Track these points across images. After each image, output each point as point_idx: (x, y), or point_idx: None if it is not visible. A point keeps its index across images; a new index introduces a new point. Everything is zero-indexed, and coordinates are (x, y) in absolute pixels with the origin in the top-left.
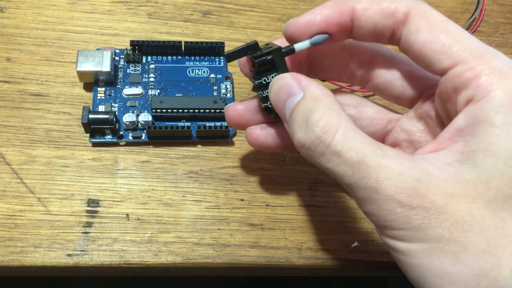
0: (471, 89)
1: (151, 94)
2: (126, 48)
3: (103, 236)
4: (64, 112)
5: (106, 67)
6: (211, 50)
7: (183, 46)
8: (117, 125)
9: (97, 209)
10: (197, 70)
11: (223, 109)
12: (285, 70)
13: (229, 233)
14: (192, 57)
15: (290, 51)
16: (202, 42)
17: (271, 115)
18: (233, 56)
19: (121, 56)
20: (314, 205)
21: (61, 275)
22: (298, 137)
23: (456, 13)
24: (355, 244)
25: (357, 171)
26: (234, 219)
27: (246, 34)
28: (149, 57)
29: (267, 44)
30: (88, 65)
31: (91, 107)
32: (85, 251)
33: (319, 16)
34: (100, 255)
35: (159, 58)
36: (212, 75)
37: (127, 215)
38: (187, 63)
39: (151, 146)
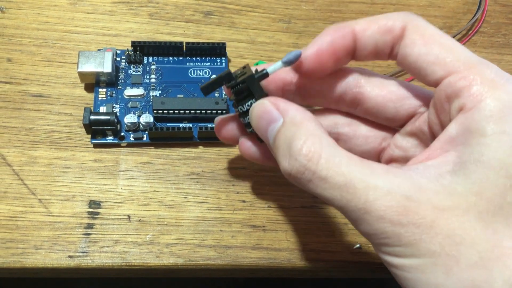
0: (462, 98)
1: (153, 95)
2: (128, 49)
3: (104, 237)
4: (65, 113)
5: (107, 68)
6: (213, 50)
7: (184, 47)
8: (118, 126)
9: (99, 210)
10: (198, 71)
11: (224, 110)
12: (262, 95)
13: (231, 235)
14: (194, 58)
15: (264, 75)
16: (203, 43)
17: (258, 140)
18: (208, 88)
19: (122, 57)
20: (316, 206)
21: (62, 277)
22: (284, 166)
23: (458, 14)
24: (357, 246)
25: (345, 194)
26: (236, 220)
27: (248, 34)
28: (151, 58)
29: (244, 68)
30: (89, 66)
31: (92, 108)
32: (86, 252)
33: (325, 44)
34: (101, 256)
35: (161, 59)
36: (214, 76)
37: (129, 216)
38: (188, 64)
39: (153, 147)
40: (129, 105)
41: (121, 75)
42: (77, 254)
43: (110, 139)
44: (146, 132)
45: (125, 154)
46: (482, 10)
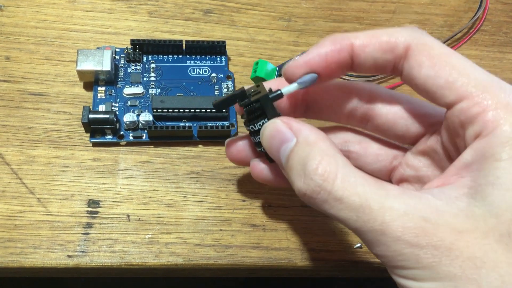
0: (478, 125)
1: (152, 94)
2: (127, 47)
3: (103, 237)
4: (64, 112)
5: (106, 66)
6: (212, 49)
7: (184, 45)
8: (117, 125)
9: (98, 209)
10: (198, 69)
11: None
12: (275, 115)
13: (231, 234)
14: (193, 56)
15: (278, 96)
16: (203, 41)
17: (268, 159)
18: (221, 106)
19: (121, 55)
20: None
21: (61, 276)
22: (298, 186)
23: (459, 12)
24: (358, 245)
25: (361, 215)
26: (236, 220)
27: (248, 33)
28: (150, 56)
29: (257, 86)
30: (88, 64)
31: (91, 107)
32: (85, 252)
33: (318, 57)
34: (100, 256)
35: (160, 57)
36: (214, 75)
37: (128, 215)
38: (188, 62)
39: (152, 146)
40: (128, 103)
41: (120, 74)
42: (76, 253)
43: (109, 138)
44: (146, 131)
45: (124, 153)
46: (484, 9)
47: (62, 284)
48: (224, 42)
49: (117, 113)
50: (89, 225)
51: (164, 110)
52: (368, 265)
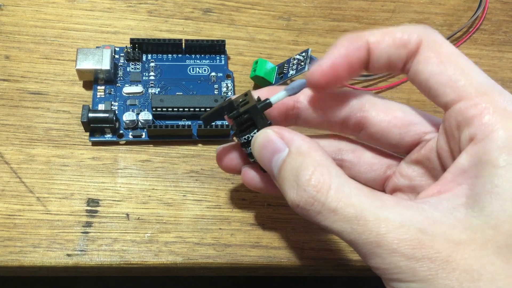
0: (473, 127)
1: (151, 93)
2: (126, 46)
3: (103, 236)
4: (64, 111)
5: (105, 65)
6: (212, 48)
7: (183, 44)
8: (117, 124)
9: (97, 208)
10: (197, 69)
11: None
12: (265, 124)
13: (230, 233)
14: (193, 55)
15: (267, 105)
16: (202, 40)
17: (261, 170)
18: (209, 119)
19: (121, 54)
20: None
21: (61, 275)
22: (291, 197)
23: (458, 11)
24: None
25: (356, 227)
26: (235, 218)
27: (247, 32)
28: (149, 55)
29: (245, 95)
30: (88, 63)
31: (90, 106)
32: (84, 251)
33: (340, 59)
34: (100, 255)
35: (160, 56)
36: (213, 74)
37: (127, 214)
38: (187, 61)
39: (151, 145)
40: (128, 102)
41: (120, 73)
42: (75, 252)
43: (108, 137)
44: (145, 130)
45: (124, 152)
46: (483, 8)
47: (61, 283)
48: (223, 41)
49: (116, 112)
50: (89, 224)
51: (163, 109)
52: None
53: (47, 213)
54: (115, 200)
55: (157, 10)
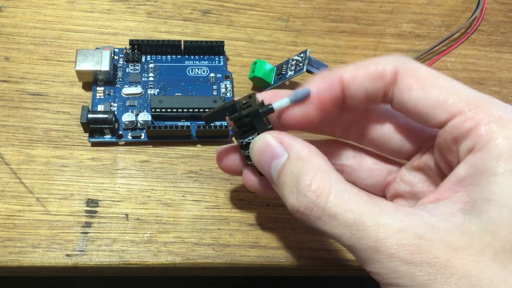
0: (471, 139)
1: (151, 94)
2: (125, 47)
3: (102, 236)
4: (63, 112)
5: (105, 66)
6: (211, 49)
7: (182, 45)
8: (116, 124)
9: (96, 209)
10: (196, 70)
11: None
12: (265, 129)
13: (229, 233)
14: (192, 56)
15: (269, 110)
16: (201, 41)
17: (258, 173)
18: (210, 119)
19: (120, 55)
20: None
21: (60, 276)
22: (291, 202)
23: (456, 12)
24: None
25: (355, 232)
26: (234, 219)
27: (246, 33)
28: (149, 56)
29: (249, 98)
30: (87, 65)
31: (90, 107)
32: (84, 251)
33: (311, 96)
34: (99, 255)
35: (159, 57)
36: (212, 74)
37: (127, 215)
38: (186, 62)
39: (151, 146)
40: (127, 103)
41: (119, 74)
42: (75, 252)
43: (108, 137)
44: (144, 130)
45: (123, 152)
46: (481, 8)
47: (61, 284)
48: (222, 42)
49: (115, 113)
50: (88, 225)
51: (162, 110)
52: None
53: (46, 214)
54: (114, 201)
55: (156, 11)
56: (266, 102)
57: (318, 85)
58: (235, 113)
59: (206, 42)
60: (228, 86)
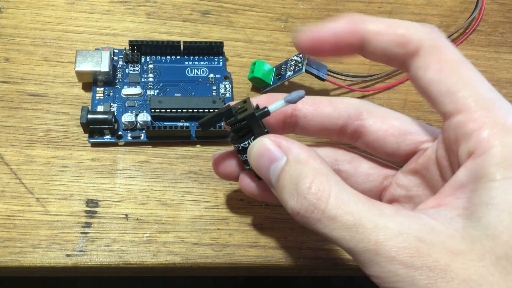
0: (472, 142)
1: (150, 94)
2: (125, 48)
3: (102, 236)
4: (63, 112)
5: (104, 67)
6: (210, 50)
7: (182, 46)
8: (116, 125)
9: (96, 209)
10: (196, 70)
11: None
12: (262, 133)
13: (228, 233)
14: (191, 57)
15: (264, 113)
16: (201, 42)
17: (256, 177)
18: (207, 125)
19: (120, 56)
20: None
21: (60, 276)
22: (291, 205)
23: (455, 12)
24: None
25: (355, 235)
26: (233, 219)
27: (245, 33)
28: (148, 57)
29: (244, 102)
30: (87, 65)
31: (89, 107)
32: (84, 251)
33: (328, 34)
34: (99, 255)
35: (158, 58)
36: (211, 75)
37: (126, 215)
38: (186, 63)
39: (150, 146)
40: (127, 104)
41: (119, 74)
42: (75, 252)
43: (107, 138)
44: (144, 131)
45: (123, 153)
46: (480, 9)
47: (61, 284)
48: (221, 43)
49: (115, 113)
50: (88, 225)
51: (162, 110)
52: None
53: (46, 214)
54: (114, 201)
55: (156, 12)
56: (261, 106)
57: (341, 26)
58: (231, 118)
59: (206, 42)
60: (227, 86)
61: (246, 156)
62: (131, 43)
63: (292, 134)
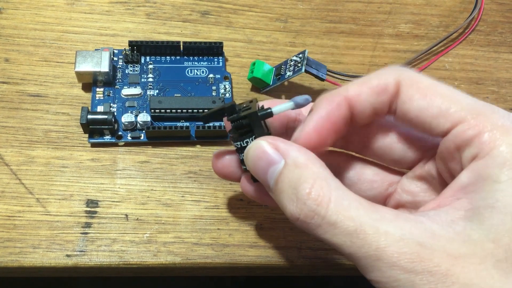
0: (474, 147)
1: (150, 94)
2: (125, 49)
3: (102, 236)
4: (63, 113)
5: (104, 67)
6: (210, 50)
7: (181, 46)
8: (115, 125)
9: (96, 209)
10: (195, 70)
11: None
12: (263, 133)
13: (228, 233)
14: (191, 57)
15: (268, 114)
16: (200, 42)
17: (252, 179)
18: (208, 118)
19: (119, 57)
20: None
21: (60, 276)
22: (291, 210)
23: (454, 12)
24: None
25: (355, 240)
26: (233, 219)
27: (245, 34)
28: (148, 58)
29: (250, 102)
30: (87, 66)
31: (89, 108)
32: (84, 251)
33: (322, 120)
34: (99, 255)
35: (158, 58)
36: (211, 75)
37: (126, 215)
38: (185, 63)
39: (150, 146)
40: (127, 104)
41: (119, 75)
42: (75, 253)
43: (107, 138)
44: (144, 131)
45: (123, 153)
46: (479, 9)
47: (61, 284)
48: (221, 43)
49: (115, 113)
50: (88, 225)
51: (162, 110)
52: None
53: (46, 214)
54: (114, 201)
55: (156, 12)
56: (259, 104)
57: (325, 108)
58: (234, 114)
59: (205, 43)
60: (227, 86)
61: (243, 156)
62: (131, 43)
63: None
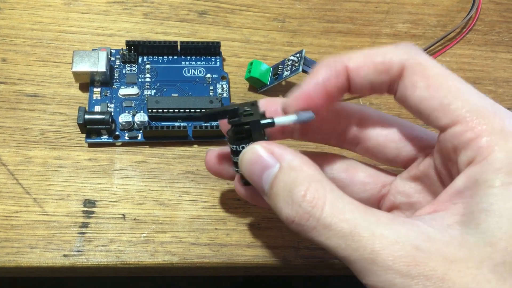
0: (471, 151)
1: (147, 94)
2: (122, 49)
3: (99, 236)
4: (60, 113)
5: (101, 67)
6: (207, 50)
7: (179, 46)
8: (113, 125)
9: (93, 209)
10: (193, 70)
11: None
12: (261, 140)
13: (226, 233)
14: (188, 57)
15: (269, 124)
16: (198, 42)
17: (243, 182)
18: (209, 117)
19: (117, 57)
20: None
21: (58, 276)
22: (286, 213)
23: (452, 12)
24: None
25: (350, 243)
26: (231, 218)
27: (242, 34)
28: (145, 57)
29: (252, 104)
30: (84, 66)
31: (87, 108)
32: (81, 251)
33: (316, 87)
34: (96, 255)
35: (155, 58)
36: (208, 75)
37: (124, 215)
38: (183, 63)
39: (147, 146)
40: (124, 104)
41: (116, 75)
42: (72, 253)
43: (104, 138)
44: (141, 131)
45: (120, 153)
46: (476, 8)
47: (58, 284)
48: (218, 43)
49: (112, 113)
50: (85, 225)
51: (159, 110)
52: None
53: (44, 214)
54: (111, 201)
55: (153, 12)
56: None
57: (323, 74)
58: (235, 118)
59: (203, 43)
60: (224, 86)
61: (237, 159)
62: (128, 43)
63: (290, 140)
